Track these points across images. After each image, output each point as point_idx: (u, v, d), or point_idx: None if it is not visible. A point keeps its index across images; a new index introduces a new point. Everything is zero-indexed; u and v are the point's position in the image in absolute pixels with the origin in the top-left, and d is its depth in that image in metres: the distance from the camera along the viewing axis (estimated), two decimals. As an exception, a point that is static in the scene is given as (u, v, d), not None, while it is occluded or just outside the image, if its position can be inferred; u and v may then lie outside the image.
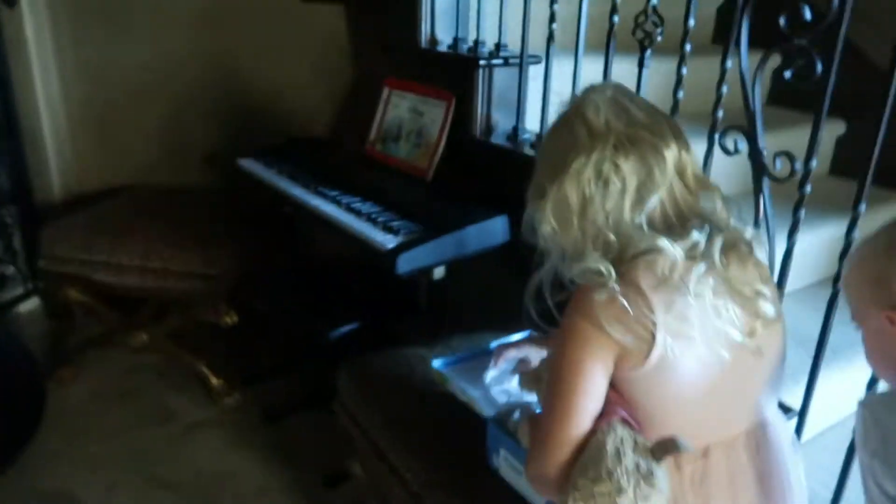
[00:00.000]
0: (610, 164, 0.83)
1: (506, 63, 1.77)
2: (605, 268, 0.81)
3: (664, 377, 0.80)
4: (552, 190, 0.88)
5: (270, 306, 1.97)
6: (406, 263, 1.53)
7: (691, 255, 0.80)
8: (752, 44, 1.24)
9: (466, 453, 1.21)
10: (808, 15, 1.09)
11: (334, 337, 1.79)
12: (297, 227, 2.35)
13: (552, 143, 0.92)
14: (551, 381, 0.86)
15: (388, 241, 1.57)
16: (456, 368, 1.39)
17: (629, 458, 0.77)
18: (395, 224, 1.65)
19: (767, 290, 0.85)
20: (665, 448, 0.76)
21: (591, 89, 0.91)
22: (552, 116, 1.00)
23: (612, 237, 0.84)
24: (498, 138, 1.81)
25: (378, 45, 2.17)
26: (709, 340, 0.79)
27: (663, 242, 0.81)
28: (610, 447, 0.78)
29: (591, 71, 1.60)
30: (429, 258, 1.56)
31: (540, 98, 1.74)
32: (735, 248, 0.83)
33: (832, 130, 2.26)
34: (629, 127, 0.83)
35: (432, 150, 1.87)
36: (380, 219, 1.68)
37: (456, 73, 1.84)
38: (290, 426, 2.11)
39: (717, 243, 0.81)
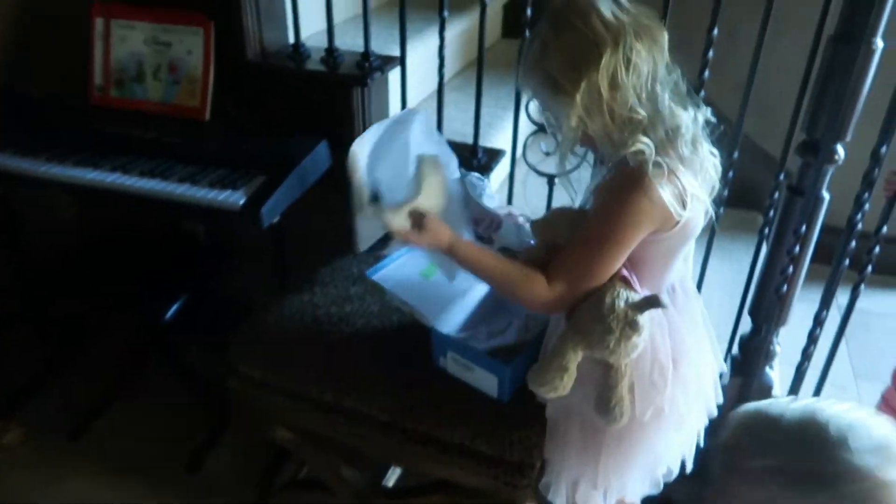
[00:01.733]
0: (634, 50, 0.92)
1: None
2: (649, 148, 0.93)
3: (681, 235, 1.00)
4: (581, 84, 0.94)
5: (80, 302, 1.61)
6: (269, 214, 1.44)
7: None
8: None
9: (412, 364, 1.28)
10: None
11: (169, 316, 1.60)
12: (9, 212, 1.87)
13: (566, 43, 0.96)
14: (599, 239, 0.98)
15: (236, 197, 1.44)
16: (388, 276, 1.33)
17: (620, 310, 0.98)
18: (217, 177, 1.50)
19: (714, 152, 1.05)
20: (649, 303, 1.00)
21: None
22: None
23: (642, 114, 0.95)
24: (279, 59, 1.70)
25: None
26: (704, 201, 1.03)
27: (684, 116, 0.96)
28: (608, 300, 0.99)
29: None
30: (284, 201, 1.48)
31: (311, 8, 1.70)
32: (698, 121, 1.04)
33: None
34: (634, 17, 0.94)
35: (201, 85, 1.67)
36: (197, 176, 1.50)
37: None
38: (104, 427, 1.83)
39: (700, 118, 1.01)
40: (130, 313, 1.62)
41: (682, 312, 1.12)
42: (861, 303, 1.34)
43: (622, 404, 1.03)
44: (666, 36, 0.98)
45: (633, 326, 1.00)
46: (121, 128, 1.64)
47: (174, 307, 1.61)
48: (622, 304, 1.00)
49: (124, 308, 1.62)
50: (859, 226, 1.28)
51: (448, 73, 2.06)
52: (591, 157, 1.17)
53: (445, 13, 1.52)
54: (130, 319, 1.66)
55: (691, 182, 0.98)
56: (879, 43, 1.16)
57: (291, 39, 1.69)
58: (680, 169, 0.97)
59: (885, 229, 1.26)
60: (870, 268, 1.29)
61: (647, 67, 0.95)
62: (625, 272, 1.03)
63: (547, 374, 1.04)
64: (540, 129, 1.54)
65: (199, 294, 1.67)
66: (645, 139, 0.95)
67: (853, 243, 1.30)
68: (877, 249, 1.27)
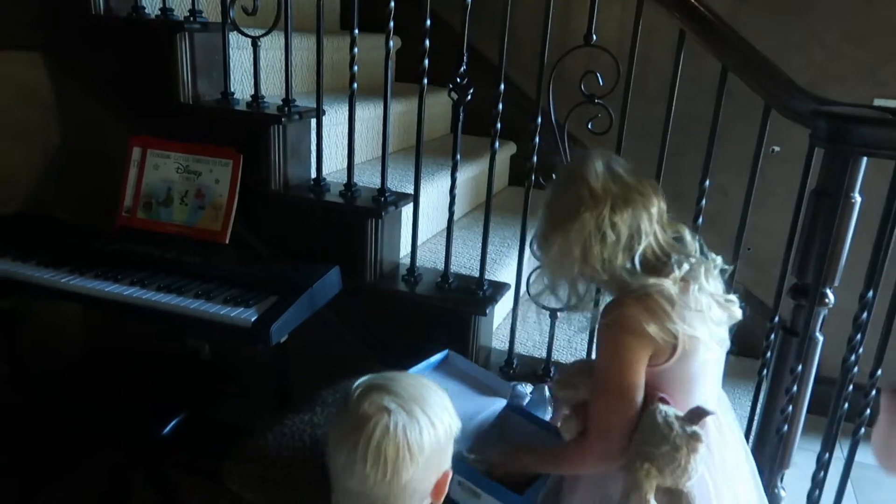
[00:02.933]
0: (608, 221, 1.02)
1: (300, 118, 1.79)
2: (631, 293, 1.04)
3: (683, 366, 1.05)
4: (556, 240, 1.05)
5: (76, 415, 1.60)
6: (279, 332, 1.47)
7: (685, 280, 1.06)
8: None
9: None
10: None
11: (166, 433, 1.58)
12: (16, 326, 1.90)
13: (557, 201, 1.08)
14: (607, 386, 1.05)
15: (248, 315, 1.48)
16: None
17: (676, 426, 1.00)
18: (231, 295, 1.55)
19: (732, 296, 1.13)
20: (698, 415, 1.02)
21: (587, 156, 1.09)
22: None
23: (605, 279, 1.07)
24: (300, 190, 1.82)
25: (103, 101, 1.92)
26: (707, 336, 1.07)
27: (650, 281, 1.03)
28: (661, 420, 1.00)
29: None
30: (293, 321, 1.52)
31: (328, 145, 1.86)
32: (709, 269, 1.11)
33: (507, 151, 2.80)
34: (622, 189, 1.05)
35: (225, 211, 1.77)
36: (212, 293, 1.55)
37: (239, 129, 1.78)
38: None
39: (702, 268, 1.08)
40: (125, 430, 1.60)
41: (714, 449, 1.11)
42: (869, 458, 1.33)
43: None
44: (658, 204, 1.07)
45: (694, 437, 1.01)
46: (143, 247, 1.72)
47: (171, 425, 1.59)
48: (675, 420, 1.02)
49: (118, 423, 1.60)
50: (855, 370, 1.31)
51: (458, 213, 2.20)
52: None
53: (458, 156, 1.65)
54: (121, 437, 1.63)
55: (689, 323, 1.04)
56: (857, 197, 1.26)
57: (314, 174, 1.81)
58: (666, 308, 1.03)
59: (879, 373, 1.29)
60: (867, 412, 1.30)
61: (622, 237, 1.04)
62: (661, 394, 1.06)
63: None
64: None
65: (196, 414, 1.66)
66: (633, 282, 1.04)
67: (850, 388, 1.32)
68: (873, 393, 1.29)
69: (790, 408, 1.32)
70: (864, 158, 1.22)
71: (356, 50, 1.65)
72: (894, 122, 1.19)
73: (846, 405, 1.33)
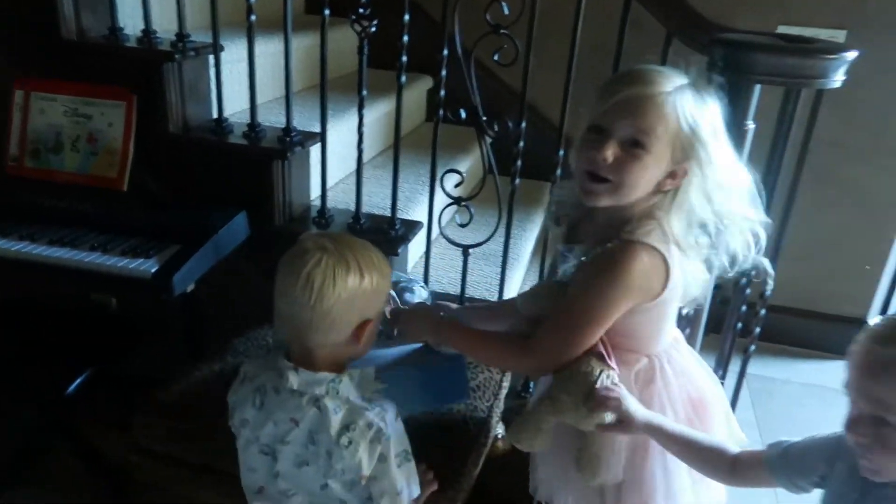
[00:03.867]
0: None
1: (197, 54, 1.68)
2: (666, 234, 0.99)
3: (659, 309, 1.02)
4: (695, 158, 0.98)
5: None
6: (182, 282, 1.42)
7: None
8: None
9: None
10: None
11: (71, 391, 1.53)
12: None
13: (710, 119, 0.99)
14: (581, 311, 0.99)
15: (147, 266, 1.42)
16: None
17: (588, 386, 0.99)
18: (130, 246, 1.48)
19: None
20: (606, 404, 0.99)
21: None
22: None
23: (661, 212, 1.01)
24: (201, 132, 1.73)
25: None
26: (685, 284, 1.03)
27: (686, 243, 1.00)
28: (581, 373, 1.00)
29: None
30: (198, 270, 1.47)
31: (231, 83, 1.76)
32: None
33: (423, 85, 2.73)
34: None
35: (120, 156, 1.67)
36: (109, 245, 1.48)
37: (131, 68, 1.66)
38: None
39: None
40: (31, 388, 1.54)
41: (671, 385, 1.11)
42: (765, 371, 1.42)
43: (594, 464, 1.05)
44: None
45: (600, 405, 1.01)
46: (32, 197, 1.61)
47: (76, 382, 1.54)
48: (593, 380, 1.01)
49: (24, 382, 1.53)
50: (747, 291, 1.37)
51: (372, 151, 2.15)
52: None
53: (364, 92, 1.60)
54: (32, 395, 1.57)
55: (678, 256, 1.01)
56: (751, 125, 1.28)
57: (216, 115, 1.73)
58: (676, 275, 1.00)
59: (769, 292, 1.35)
60: (758, 329, 1.37)
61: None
62: (601, 348, 1.04)
63: (522, 433, 1.06)
64: (455, 202, 1.61)
65: (105, 369, 1.61)
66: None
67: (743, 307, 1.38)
68: (762, 312, 1.35)
69: (687, 329, 1.37)
70: (758, 86, 1.24)
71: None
72: (786, 48, 1.21)
73: (739, 324, 1.39)
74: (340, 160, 1.93)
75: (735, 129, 1.23)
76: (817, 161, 2.46)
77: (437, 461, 1.25)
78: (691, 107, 0.95)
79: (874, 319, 0.81)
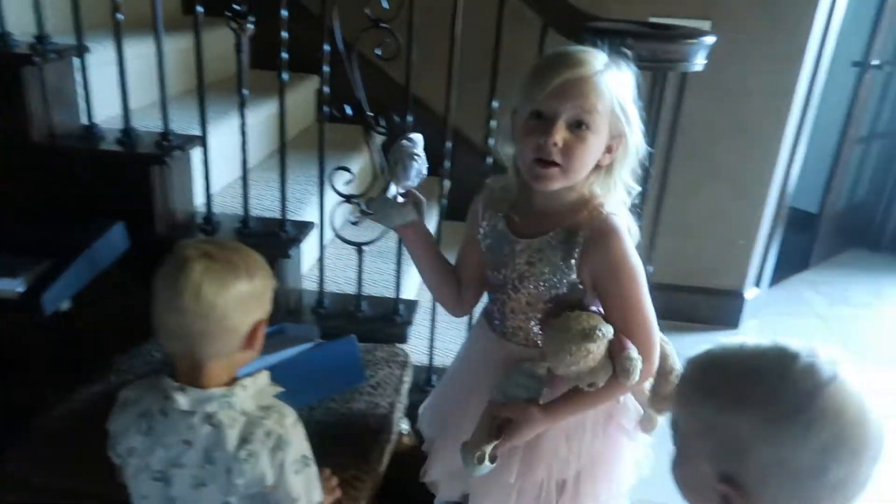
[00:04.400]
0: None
1: (60, 56, 1.57)
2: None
3: None
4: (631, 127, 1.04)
5: None
6: (53, 301, 1.33)
7: None
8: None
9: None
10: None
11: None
12: None
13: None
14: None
15: (13, 285, 1.31)
16: None
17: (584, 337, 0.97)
18: (-7, 264, 1.37)
19: None
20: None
21: None
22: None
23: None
24: (69, 140, 1.62)
25: None
26: None
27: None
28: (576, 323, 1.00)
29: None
30: (72, 287, 1.38)
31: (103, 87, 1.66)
32: None
33: (311, 85, 2.67)
34: None
35: (-24, 169, 1.55)
36: (-32, 264, 1.36)
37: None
38: None
39: None
40: None
41: None
42: None
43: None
44: None
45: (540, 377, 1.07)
46: None
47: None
48: (585, 336, 0.99)
49: None
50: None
51: (261, 153, 2.08)
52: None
53: (245, 91, 1.55)
54: None
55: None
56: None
57: (86, 121, 1.62)
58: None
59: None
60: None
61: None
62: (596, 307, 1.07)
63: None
64: (346, 199, 1.59)
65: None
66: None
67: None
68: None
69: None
70: (628, 71, 1.29)
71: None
72: (652, 34, 1.27)
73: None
74: (228, 163, 1.85)
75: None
76: (690, 142, 2.60)
77: (339, 460, 1.24)
78: (616, 83, 1.00)
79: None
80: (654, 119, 1.33)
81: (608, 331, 0.99)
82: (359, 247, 1.62)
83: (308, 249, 1.76)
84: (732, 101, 2.58)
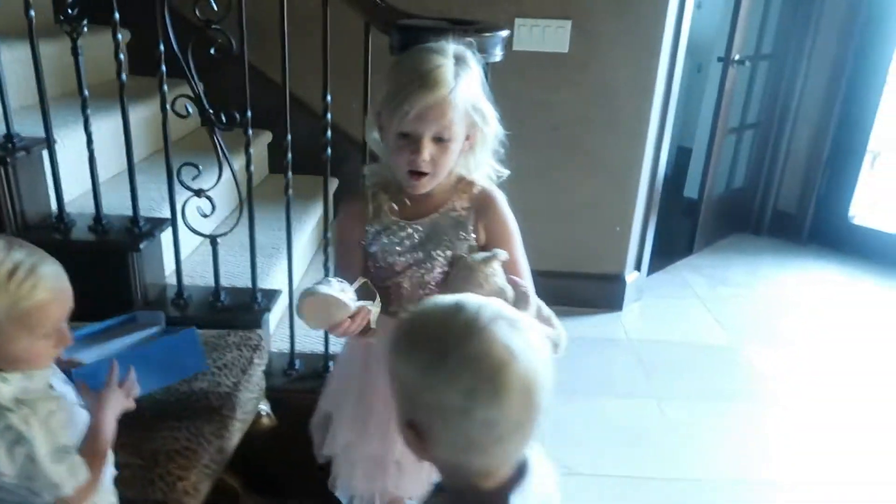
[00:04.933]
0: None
1: (28, 153, 1.63)
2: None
3: None
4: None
5: None
6: None
7: None
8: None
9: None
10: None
11: None
12: None
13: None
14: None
15: None
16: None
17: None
18: None
19: None
20: None
21: None
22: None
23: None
24: (43, 231, 1.67)
25: None
26: None
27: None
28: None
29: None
30: None
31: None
32: None
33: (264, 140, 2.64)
34: None
35: None
36: None
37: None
38: None
39: None
40: None
41: None
42: None
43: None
44: None
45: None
46: None
47: None
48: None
49: None
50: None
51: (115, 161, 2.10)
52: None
53: (86, 92, 1.60)
54: None
55: None
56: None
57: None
58: None
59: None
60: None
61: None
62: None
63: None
64: (195, 193, 1.66)
65: None
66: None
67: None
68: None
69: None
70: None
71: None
72: (451, 29, 1.39)
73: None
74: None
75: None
76: (567, 135, 2.78)
77: (172, 433, 1.31)
78: (467, 89, 1.14)
79: None
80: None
81: (501, 252, 1.18)
82: (212, 239, 1.69)
83: (166, 245, 1.81)
84: (602, 97, 2.75)
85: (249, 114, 1.60)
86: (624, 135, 2.80)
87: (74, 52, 1.54)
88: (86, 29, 1.53)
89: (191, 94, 1.58)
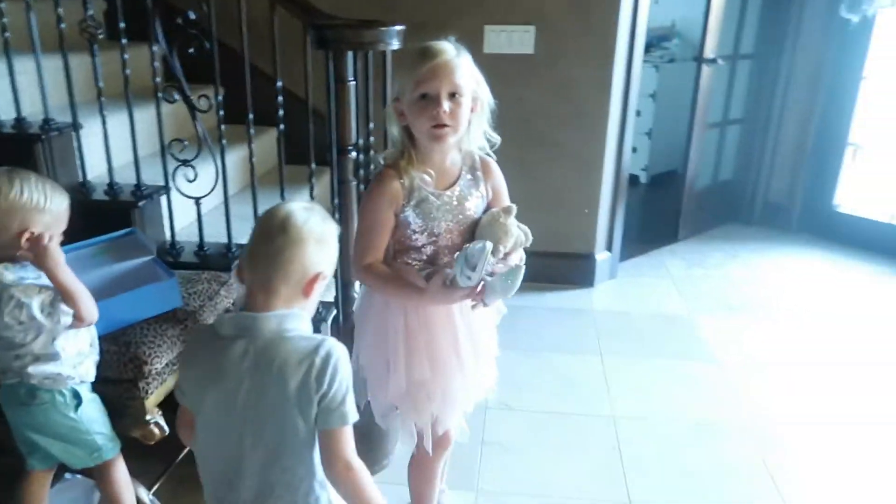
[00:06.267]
0: None
1: (60, 133, 2.14)
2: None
3: None
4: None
5: None
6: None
7: None
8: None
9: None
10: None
11: None
12: None
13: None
14: None
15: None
16: None
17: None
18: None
19: None
20: None
21: None
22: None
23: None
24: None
25: None
26: None
27: None
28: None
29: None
30: None
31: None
32: None
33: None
34: None
35: None
36: None
37: (7, 149, 2.11)
38: None
39: None
40: None
41: None
42: (518, 301, 1.84)
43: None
44: None
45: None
46: None
47: None
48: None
49: None
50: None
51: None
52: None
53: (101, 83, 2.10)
54: None
55: None
56: (352, 81, 1.85)
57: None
58: None
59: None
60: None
61: None
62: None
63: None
64: (182, 163, 2.11)
65: None
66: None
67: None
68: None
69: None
70: (350, 52, 1.82)
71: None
72: (359, 24, 1.80)
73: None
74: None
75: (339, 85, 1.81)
76: (537, 127, 3.12)
77: (150, 332, 1.72)
78: (467, 62, 1.40)
79: None
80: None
81: (513, 206, 1.48)
82: (196, 200, 2.15)
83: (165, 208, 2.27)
84: (567, 92, 3.07)
85: (220, 97, 2.05)
86: (587, 126, 3.11)
87: (86, 44, 2.02)
88: (101, 34, 2.02)
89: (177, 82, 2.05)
